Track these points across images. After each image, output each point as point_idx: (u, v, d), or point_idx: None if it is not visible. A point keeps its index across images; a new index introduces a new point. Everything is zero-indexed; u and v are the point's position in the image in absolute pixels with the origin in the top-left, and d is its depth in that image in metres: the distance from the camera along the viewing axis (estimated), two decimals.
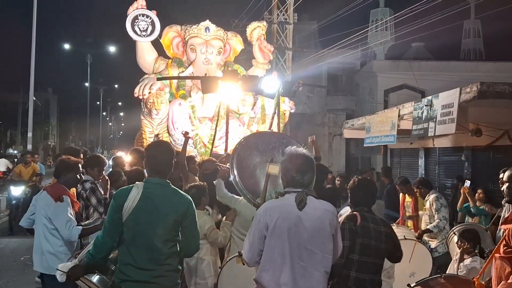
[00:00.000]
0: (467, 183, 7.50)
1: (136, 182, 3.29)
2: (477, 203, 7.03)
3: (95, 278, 3.40)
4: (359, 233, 3.49)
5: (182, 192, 3.37)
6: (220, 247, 5.05)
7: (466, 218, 7.49)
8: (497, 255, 3.15)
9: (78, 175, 4.64)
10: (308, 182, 3.07)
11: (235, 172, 4.50)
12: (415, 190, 6.95)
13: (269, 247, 2.98)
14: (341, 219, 3.57)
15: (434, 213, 6.50)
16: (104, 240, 3.23)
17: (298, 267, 2.94)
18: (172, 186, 3.34)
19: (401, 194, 7.59)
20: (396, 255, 3.77)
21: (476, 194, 7.19)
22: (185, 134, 6.70)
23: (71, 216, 4.27)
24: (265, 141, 4.69)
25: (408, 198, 7.40)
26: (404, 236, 5.48)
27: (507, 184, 3.33)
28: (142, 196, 3.14)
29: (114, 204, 3.19)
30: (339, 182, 9.63)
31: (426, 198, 6.72)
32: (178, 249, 3.28)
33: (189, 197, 3.33)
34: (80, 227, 4.26)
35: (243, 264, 4.07)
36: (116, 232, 3.18)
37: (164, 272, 3.15)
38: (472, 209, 7.02)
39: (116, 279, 3.19)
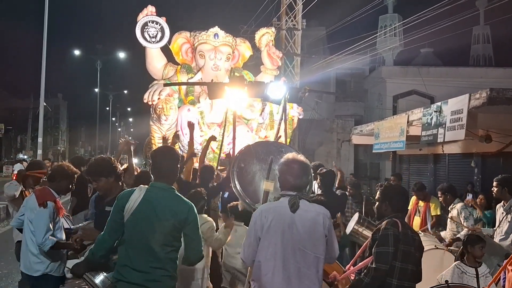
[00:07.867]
0: (469, 196, 7.53)
1: (141, 185, 3.32)
2: (478, 211, 7.00)
3: (98, 279, 3.41)
4: (401, 239, 3.47)
5: (184, 198, 3.34)
6: (215, 248, 5.06)
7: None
8: (510, 267, 3.10)
9: (71, 185, 4.48)
10: (302, 186, 3.19)
11: (236, 179, 4.58)
12: (440, 196, 6.66)
13: (263, 247, 3.10)
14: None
15: (463, 221, 6.26)
16: (104, 238, 3.28)
17: (293, 267, 3.05)
18: (176, 192, 3.33)
19: (414, 198, 7.60)
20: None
21: (478, 200, 7.19)
22: (190, 124, 6.93)
23: (50, 226, 4.10)
24: (264, 150, 4.82)
25: (420, 203, 7.39)
26: (435, 246, 5.44)
27: None
28: (143, 199, 3.17)
29: (116, 204, 3.25)
30: (350, 191, 7.93)
31: (451, 206, 6.47)
32: (177, 256, 3.27)
33: (191, 204, 3.30)
34: (55, 239, 4.08)
35: None
36: (116, 232, 3.24)
37: (159, 277, 3.14)
38: (483, 219, 6.96)
39: (113, 279, 3.25)
